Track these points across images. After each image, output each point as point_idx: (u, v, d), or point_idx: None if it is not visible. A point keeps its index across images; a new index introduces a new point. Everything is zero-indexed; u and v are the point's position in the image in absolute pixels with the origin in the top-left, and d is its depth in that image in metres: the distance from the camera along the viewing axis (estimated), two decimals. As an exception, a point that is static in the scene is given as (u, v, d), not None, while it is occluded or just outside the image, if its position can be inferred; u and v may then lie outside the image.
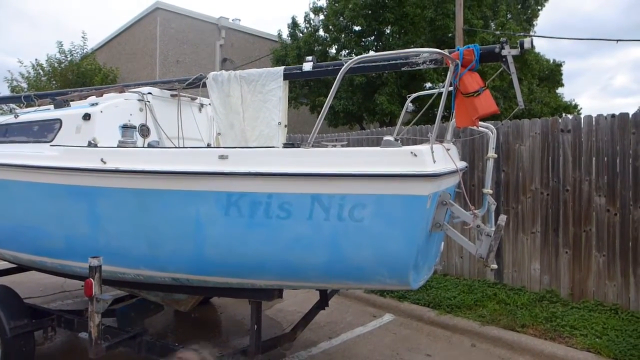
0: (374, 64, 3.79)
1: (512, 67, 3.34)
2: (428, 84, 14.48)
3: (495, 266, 3.28)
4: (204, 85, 4.47)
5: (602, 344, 4.41)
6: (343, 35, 15.05)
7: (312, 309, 4.42)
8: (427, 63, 3.59)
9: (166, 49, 17.28)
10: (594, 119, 5.33)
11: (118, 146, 3.49)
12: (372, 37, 15.36)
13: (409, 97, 4.44)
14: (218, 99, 4.38)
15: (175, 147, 4.07)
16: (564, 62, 23.71)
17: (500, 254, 6.08)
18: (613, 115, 5.17)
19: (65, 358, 4.72)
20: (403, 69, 3.69)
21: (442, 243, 4.01)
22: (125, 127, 3.62)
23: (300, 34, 16.39)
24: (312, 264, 2.95)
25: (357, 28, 14.83)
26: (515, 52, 3.35)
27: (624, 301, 5.07)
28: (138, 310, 4.62)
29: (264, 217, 2.93)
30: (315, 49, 15.49)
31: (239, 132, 4.31)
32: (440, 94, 3.20)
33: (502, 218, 3.02)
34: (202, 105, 5.08)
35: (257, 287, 3.32)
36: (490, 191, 3.76)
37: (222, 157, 3.01)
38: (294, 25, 16.70)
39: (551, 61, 24.16)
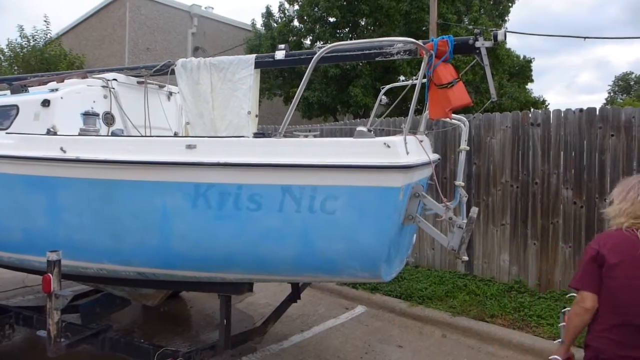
0: (347, 53, 3.72)
1: (485, 59, 3.34)
2: (402, 77, 14.53)
3: (466, 258, 3.28)
4: (172, 72, 4.31)
5: (567, 333, 4.51)
6: (318, 26, 14.92)
7: (284, 302, 4.36)
8: (401, 53, 3.55)
9: (136, 35, 16.75)
10: (562, 113, 5.42)
11: (79, 134, 3.32)
12: (347, 29, 15.29)
13: (382, 88, 4.40)
14: (187, 86, 4.24)
15: (141, 136, 3.91)
16: (533, 58, 24.20)
17: (470, 245, 6.16)
18: (581, 110, 5.28)
19: (25, 357, 4.52)
20: (377, 59, 3.64)
21: (415, 235, 4.01)
22: (87, 115, 3.44)
23: (275, 24, 16.17)
24: (283, 257, 2.88)
25: (332, 19, 14.73)
26: (488, 44, 3.34)
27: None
28: (103, 305, 4.46)
29: (233, 208, 2.83)
30: (290, 39, 15.30)
31: (209, 122, 4.19)
32: (413, 86, 3.18)
33: (474, 210, 3.02)
34: (170, 93, 4.91)
35: (226, 281, 3.23)
36: (462, 183, 3.78)
37: (189, 146, 2.89)
38: (268, 15, 16.46)
39: (522, 57, 24.65)
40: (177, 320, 5.59)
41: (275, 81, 15.92)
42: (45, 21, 19.86)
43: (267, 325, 4.14)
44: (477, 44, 3.33)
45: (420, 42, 3.12)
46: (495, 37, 3.34)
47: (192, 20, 18.33)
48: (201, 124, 4.25)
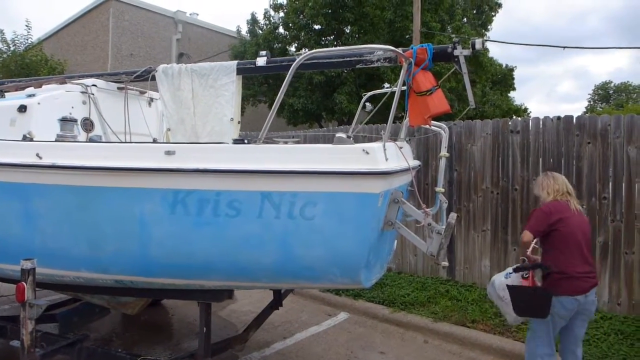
0: (328, 60, 3.75)
1: (464, 67, 3.39)
2: (386, 84, 14.66)
3: (446, 263, 3.31)
4: (153, 78, 4.28)
5: (546, 338, 4.56)
6: (303, 34, 14.98)
7: (265, 309, 4.34)
8: (382, 61, 3.58)
9: (119, 41, 16.61)
10: (541, 121, 5.52)
11: (56, 140, 3.27)
12: (332, 37, 15.38)
13: (364, 95, 4.44)
14: (168, 92, 4.21)
15: (119, 142, 3.87)
16: (515, 67, 24.65)
17: (452, 251, 6.21)
18: (559, 118, 5.38)
19: (-1, 367, 4.41)
20: (358, 66, 3.67)
21: (395, 241, 4.03)
22: (65, 120, 3.40)
23: (260, 31, 16.20)
24: (263, 264, 2.87)
25: (317, 27, 14.81)
26: (467, 52, 3.40)
27: (567, 296, 5.28)
28: (82, 314, 4.39)
29: (212, 215, 2.82)
30: (275, 46, 15.34)
31: (190, 128, 4.17)
32: (395, 93, 3.21)
33: (452, 216, 3.05)
34: (151, 99, 4.88)
35: (205, 288, 3.20)
36: (443, 190, 3.82)
37: (168, 152, 2.87)
38: (253, 21, 16.49)
39: (504, 66, 25.08)
40: (158, 328, 5.51)
41: (260, 88, 15.92)
42: (26, 26, 19.58)
43: (248, 333, 4.12)
44: (456, 52, 3.38)
45: (399, 50, 3.16)
46: (473, 45, 3.39)
47: (177, 26, 18.26)
48: (182, 130, 4.22)
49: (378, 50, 3.57)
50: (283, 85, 2.78)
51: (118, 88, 4.44)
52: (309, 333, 5.21)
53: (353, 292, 6.01)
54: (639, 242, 4.86)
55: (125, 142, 3.91)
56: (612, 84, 52.39)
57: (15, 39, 17.01)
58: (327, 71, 15.09)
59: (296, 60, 2.83)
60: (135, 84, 4.63)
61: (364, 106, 4.48)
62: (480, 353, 4.63)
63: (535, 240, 3.42)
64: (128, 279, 3.19)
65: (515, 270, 3.43)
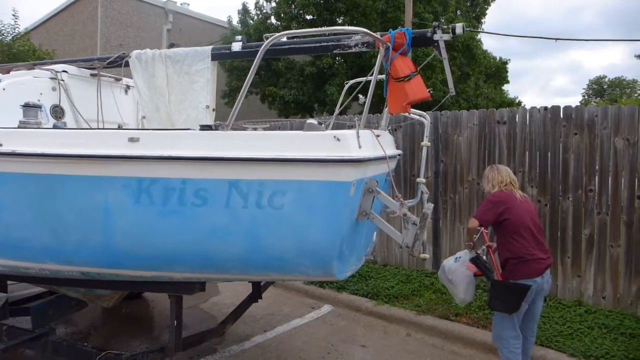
0: (304, 45, 3.63)
1: (443, 52, 3.28)
2: (379, 76, 14.51)
3: (426, 256, 3.22)
4: (127, 64, 4.15)
5: (530, 331, 4.49)
6: (294, 24, 14.79)
7: (244, 302, 4.25)
8: (360, 46, 3.47)
9: (108, 31, 16.37)
10: (527, 112, 5.43)
11: (18, 127, 3.14)
12: (324, 27, 15.20)
13: (346, 83, 4.33)
14: (142, 79, 4.09)
15: (81, 129, 3.74)
16: (509, 59, 24.54)
17: (438, 243, 6.13)
18: (545, 108, 5.29)
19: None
20: (335, 51, 3.55)
21: (375, 233, 3.93)
22: (27, 106, 3.26)
23: (251, 21, 15.99)
24: (230, 255, 2.76)
25: (308, 17, 14.63)
26: (447, 37, 3.29)
27: (552, 289, 5.20)
28: (57, 307, 4.27)
29: (178, 204, 2.70)
30: (266, 36, 15.14)
31: (165, 116, 4.04)
32: (378, 82, 3.11)
33: (429, 206, 2.96)
34: (128, 87, 4.74)
35: (175, 280, 3.10)
36: (424, 180, 3.71)
37: (132, 139, 2.75)
38: (244, 11, 16.27)
39: (498, 59, 24.96)
40: (137, 321, 5.41)
41: (252, 79, 15.73)
42: (13, 15, 19.21)
43: (224, 326, 4.03)
44: (436, 37, 3.28)
45: (377, 34, 3.05)
46: (454, 30, 3.28)
47: (168, 16, 18.02)
48: (157, 118, 4.10)
49: (356, 35, 3.45)
50: (252, 67, 2.67)
51: (91, 75, 4.30)
52: (291, 326, 5.12)
53: (337, 284, 5.93)
54: (624, 235, 4.79)
55: (88, 129, 3.77)
56: (607, 79, 52.49)
57: (2, 28, 16.72)
58: (318, 62, 14.94)
59: (266, 42, 2.71)
60: (111, 70, 4.49)
61: (357, 98, 4.38)
62: (461, 346, 4.56)
63: (482, 228, 3.71)
64: (94, 270, 3.08)
65: (472, 261, 3.61)
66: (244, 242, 2.71)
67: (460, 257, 3.71)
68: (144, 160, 2.70)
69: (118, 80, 4.58)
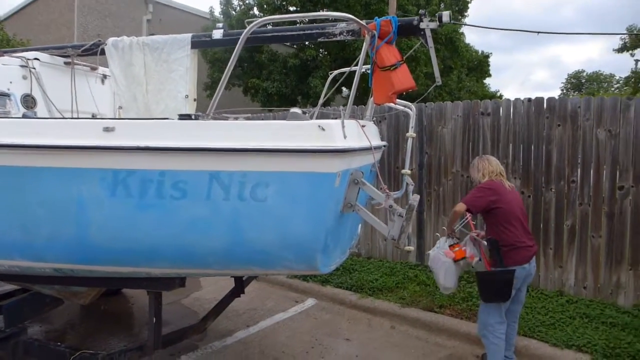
0: (289, 33, 3.52)
1: (430, 41, 3.22)
2: (365, 66, 14.44)
3: (411, 248, 3.17)
4: (103, 52, 3.99)
5: (513, 322, 4.51)
6: (277, 15, 14.60)
7: (225, 297, 4.15)
8: (345, 34, 3.38)
9: (85, 21, 15.90)
10: (511, 103, 5.42)
11: (-16, 116, 2.98)
12: (307, 19, 15.04)
13: (331, 73, 4.24)
14: (119, 67, 3.93)
15: (53, 118, 3.58)
16: (491, 53, 24.72)
17: (422, 235, 6.12)
18: (529, 100, 5.29)
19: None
20: (319, 39, 3.46)
21: (360, 225, 3.88)
22: (-6, 95, 3.10)
23: (234, 12, 15.73)
24: (212, 249, 2.66)
25: (292, 8, 14.45)
26: (433, 25, 3.22)
27: (534, 279, 5.25)
28: (31, 305, 4.10)
29: (156, 197, 2.59)
30: (248, 22, 14.91)
31: (142, 106, 3.90)
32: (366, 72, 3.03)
33: (414, 198, 2.90)
34: (105, 76, 4.58)
35: (152, 275, 2.99)
36: (409, 172, 3.67)
37: (107, 129, 2.62)
38: (227, 2, 15.99)
39: (480, 52, 25.12)
40: (116, 318, 5.27)
41: (234, 71, 15.51)
42: (-14, 3, 18.55)
43: (205, 322, 3.93)
44: (422, 25, 3.21)
45: (363, 21, 2.96)
46: (440, 18, 3.22)
47: (147, 6, 17.57)
48: (135, 108, 3.95)
49: (341, 22, 3.36)
50: (234, 53, 2.56)
51: (65, 63, 4.12)
52: (274, 320, 5.05)
53: (321, 278, 5.88)
54: (605, 225, 4.83)
55: (60, 118, 3.61)
56: (585, 73, 53.49)
57: (-27, 17, 16.11)
58: (301, 54, 14.77)
59: (248, 28, 2.61)
60: (86, 59, 4.32)
61: (341, 90, 4.30)
62: (446, 338, 4.56)
63: (469, 216, 3.86)
64: (67, 267, 2.94)
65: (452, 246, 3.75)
66: (225, 235, 2.62)
67: (439, 245, 3.81)
68: (119, 151, 2.57)
69: (94, 69, 4.41)
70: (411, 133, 3.79)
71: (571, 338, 4.19)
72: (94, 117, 4.23)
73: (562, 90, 52.71)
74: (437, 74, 3.29)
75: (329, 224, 2.70)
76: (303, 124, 2.54)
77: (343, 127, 2.61)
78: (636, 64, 26.73)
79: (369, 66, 3.15)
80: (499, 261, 3.59)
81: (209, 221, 2.60)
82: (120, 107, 4.04)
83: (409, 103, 3.84)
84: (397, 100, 3.39)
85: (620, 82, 46.05)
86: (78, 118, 3.71)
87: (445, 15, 3.22)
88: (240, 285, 4.17)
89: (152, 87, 3.88)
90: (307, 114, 2.64)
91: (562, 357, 4.02)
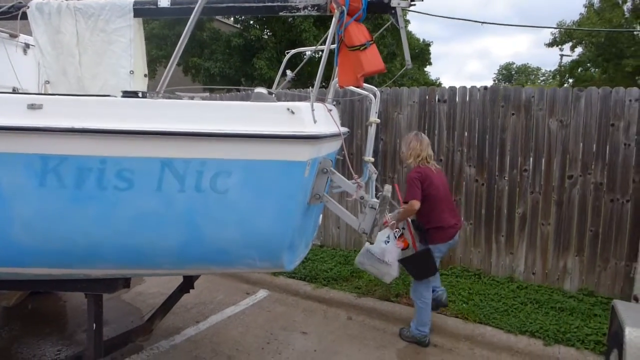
0: (247, 4, 3.18)
1: (401, 20, 3.01)
2: (309, 52, 14.14)
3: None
4: (25, 16, 3.42)
5: (468, 309, 4.54)
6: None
7: (173, 294, 3.81)
8: (309, 8, 3.09)
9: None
10: (467, 91, 5.40)
11: None
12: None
13: (287, 52, 3.94)
14: (45, 35, 3.40)
15: None
16: (432, 42, 25.28)
17: (375, 223, 6.02)
18: (485, 88, 5.28)
19: None
20: (281, 13, 3.15)
21: (321, 216, 3.67)
22: None
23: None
24: (163, 248, 2.34)
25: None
26: (404, 4, 3.02)
27: (486, 266, 5.34)
28: None
29: (96, 188, 2.22)
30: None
31: (75, 81, 3.41)
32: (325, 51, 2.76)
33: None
34: (27, 45, 3.98)
35: (92, 277, 2.60)
36: (372, 159, 3.49)
37: (32, 106, 2.20)
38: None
39: (421, 40, 25.61)
40: (47, 319, 4.72)
41: (174, 48, 14.64)
42: None
43: (152, 322, 3.58)
44: (393, 3, 2.99)
45: (331, -5, 2.70)
46: (412, -5, 3.02)
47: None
48: (65, 83, 3.45)
49: (305, -6, 3.07)
50: (188, 25, 2.22)
51: (-22, 28, 3.51)
52: (225, 315, 4.76)
53: (273, 268, 5.63)
54: (554, 213, 4.96)
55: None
56: (515, 65, 56.55)
57: None
58: (246, 34, 14.19)
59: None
60: (5, 24, 3.71)
61: (285, 73, 4.00)
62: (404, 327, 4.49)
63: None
64: (-15, 269, 2.49)
65: (418, 229, 4.05)
66: (180, 232, 2.30)
67: (388, 238, 3.93)
68: (48, 133, 2.16)
69: (14, 36, 3.80)
70: (374, 119, 3.60)
71: (524, 324, 4.26)
72: (15, 91, 3.65)
73: (494, 80, 55.44)
74: (407, 56, 3.08)
75: (296, 217, 2.46)
76: (271, 105, 2.26)
77: (313, 110, 2.36)
78: (561, 59, 28.41)
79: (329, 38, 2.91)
80: (424, 242, 3.99)
81: (160, 216, 2.27)
82: (47, 82, 3.51)
83: (374, 87, 3.64)
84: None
85: (547, 74, 49.08)
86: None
87: (418, -6, 3.03)
88: (189, 280, 3.84)
89: (87, 59, 3.39)
90: (273, 95, 2.35)
91: (517, 343, 4.08)
